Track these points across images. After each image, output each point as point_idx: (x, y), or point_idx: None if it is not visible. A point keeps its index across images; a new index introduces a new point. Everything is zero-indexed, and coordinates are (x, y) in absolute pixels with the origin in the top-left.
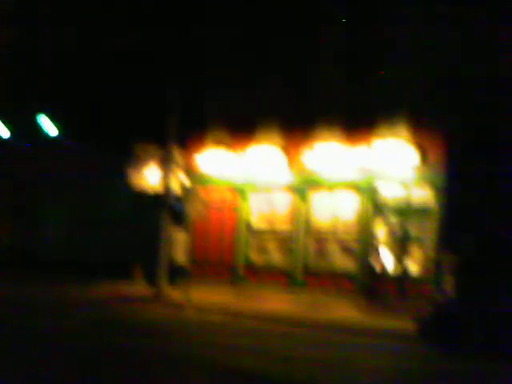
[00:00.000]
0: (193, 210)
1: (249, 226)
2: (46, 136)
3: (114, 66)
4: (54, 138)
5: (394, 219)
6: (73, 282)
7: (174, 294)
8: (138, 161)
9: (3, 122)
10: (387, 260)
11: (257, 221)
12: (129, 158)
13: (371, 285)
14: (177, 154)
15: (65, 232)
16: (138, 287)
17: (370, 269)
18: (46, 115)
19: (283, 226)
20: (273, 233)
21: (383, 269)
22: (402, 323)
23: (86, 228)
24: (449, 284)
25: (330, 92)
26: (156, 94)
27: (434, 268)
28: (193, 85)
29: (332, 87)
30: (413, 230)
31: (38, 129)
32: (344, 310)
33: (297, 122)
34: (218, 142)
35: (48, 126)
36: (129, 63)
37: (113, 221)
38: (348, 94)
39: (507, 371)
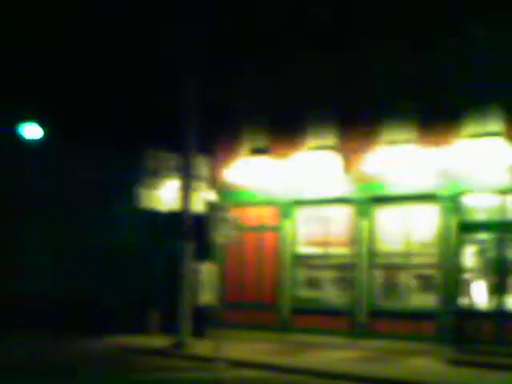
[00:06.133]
0: (221, 235)
1: (296, 253)
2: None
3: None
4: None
5: (486, 237)
6: (68, 333)
7: (200, 344)
8: (149, 173)
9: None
10: (479, 292)
11: (306, 245)
12: (137, 171)
13: (458, 326)
14: (200, 164)
15: (52, 266)
16: (155, 337)
17: (457, 305)
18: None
19: (340, 250)
20: (327, 260)
21: (474, 304)
22: (502, 375)
23: (81, 263)
24: None
25: (398, 78)
26: (170, 82)
27: None
28: (218, 73)
29: (400, 71)
30: None
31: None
32: (423, 360)
33: (356, 118)
34: (255, 148)
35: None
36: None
37: (117, 253)
38: (421, 82)
39: None
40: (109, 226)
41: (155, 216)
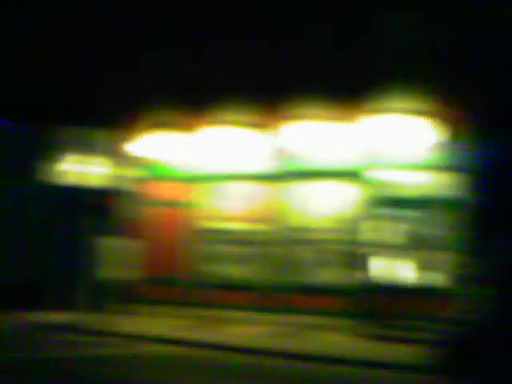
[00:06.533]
0: (131, 210)
1: (210, 229)
2: None
3: None
4: None
5: (405, 214)
6: None
7: (107, 320)
8: (56, 149)
9: None
10: (398, 269)
11: (220, 221)
12: (45, 146)
13: (378, 302)
14: (107, 138)
15: None
16: (58, 314)
17: (375, 280)
18: None
19: (255, 226)
20: (243, 236)
21: (393, 280)
22: (418, 350)
23: None
24: (482, 299)
25: (315, 50)
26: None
27: (460, 278)
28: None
29: (320, 46)
30: (432, 229)
31: None
32: (337, 335)
33: (270, 93)
34: (163, 122)
35: None
36: None
37: (22, 227)
38: (338, 54)
39: None
40: (15, 201)
41: (63, 191)
